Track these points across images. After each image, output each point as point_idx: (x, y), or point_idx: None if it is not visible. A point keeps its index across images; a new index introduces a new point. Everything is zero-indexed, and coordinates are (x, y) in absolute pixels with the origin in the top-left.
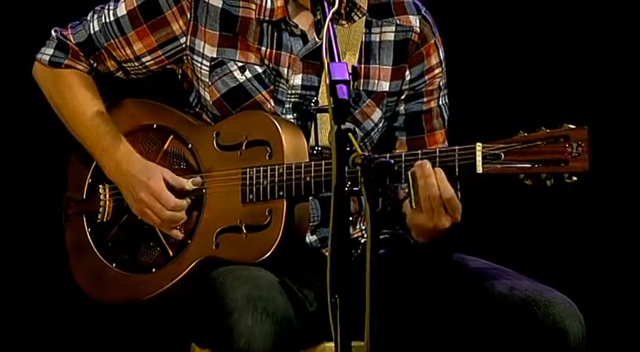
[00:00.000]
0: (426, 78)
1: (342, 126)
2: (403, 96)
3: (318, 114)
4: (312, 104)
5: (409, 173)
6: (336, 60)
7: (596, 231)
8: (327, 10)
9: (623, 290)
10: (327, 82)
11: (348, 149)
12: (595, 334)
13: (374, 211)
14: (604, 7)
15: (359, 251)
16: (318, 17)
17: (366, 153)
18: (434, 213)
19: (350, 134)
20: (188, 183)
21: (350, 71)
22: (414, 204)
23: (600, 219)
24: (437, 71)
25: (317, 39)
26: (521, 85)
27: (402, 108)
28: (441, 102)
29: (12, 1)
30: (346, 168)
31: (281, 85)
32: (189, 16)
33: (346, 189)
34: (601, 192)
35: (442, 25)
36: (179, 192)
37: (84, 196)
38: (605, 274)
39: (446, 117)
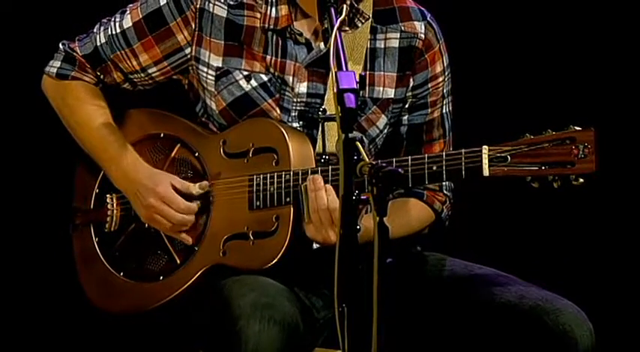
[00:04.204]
0: (430, 86)
1: (350, 135)
2: (407, 105)
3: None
4: (320, 112)
5: (302, 186)
6: (344, 68)
7: (605, 237)
8: (334, 18)
9: (633, 298)
10: (335, 90)
11: (355, 157)
12: (604, 343)
13: (382, 219)
14: (607, 8)
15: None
16: (326, 26)
17: (373, 162)
18: (322, 225)
19: (357, 142)
20: (195, 188)
21: (357, 80)
22: (305, 217)
23: (610, 225)
24: (440, 79)
25: (321, 47)
26: (527, 88)
27: (405, 118)
28: (444, 111)
29: (9, 7)
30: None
31: (287, 93)
32: (193, 26)
33: (354, 197)
34: (611, 198)
35: (447, 29)
36: (187, 198)
37: (91, 206)
38: (615, 282)
39: (447, 127)
